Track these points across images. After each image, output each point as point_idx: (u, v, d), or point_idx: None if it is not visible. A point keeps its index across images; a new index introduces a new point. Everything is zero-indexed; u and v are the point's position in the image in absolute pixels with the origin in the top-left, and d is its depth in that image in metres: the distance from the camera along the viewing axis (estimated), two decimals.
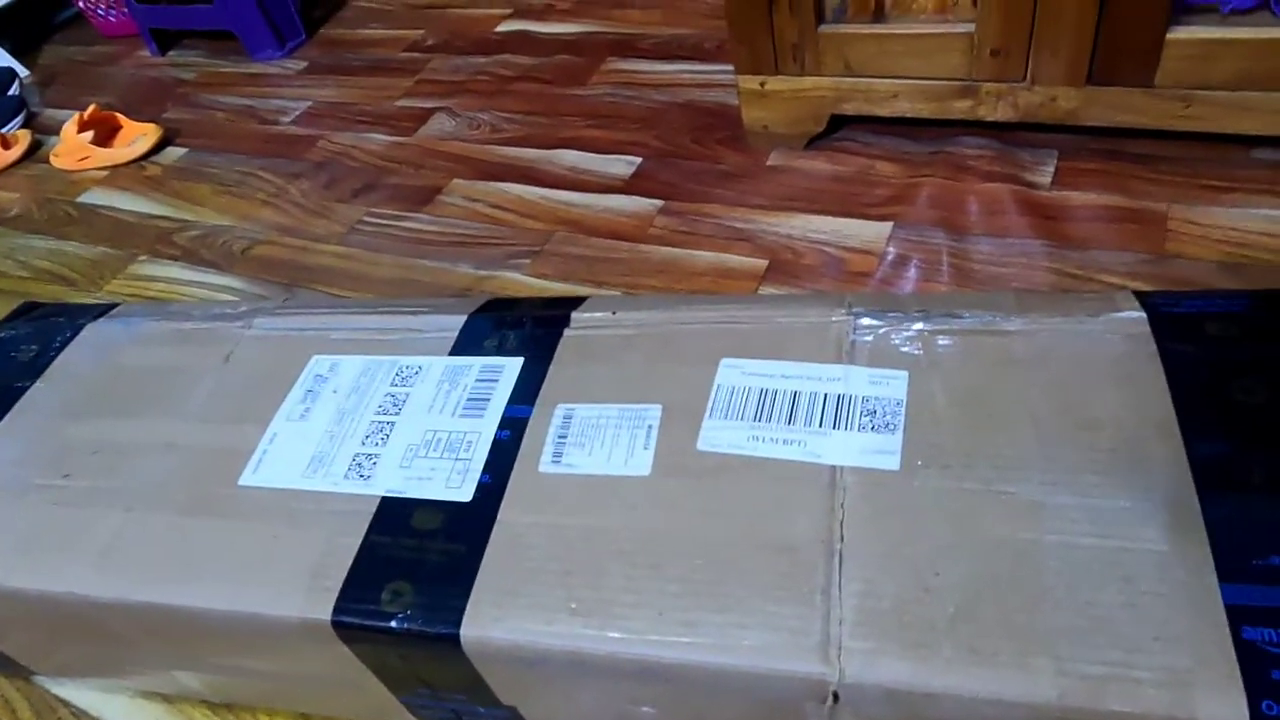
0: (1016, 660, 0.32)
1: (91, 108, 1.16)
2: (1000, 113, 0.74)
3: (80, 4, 1.51)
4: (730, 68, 0.95)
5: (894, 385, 0.41)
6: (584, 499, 0.41)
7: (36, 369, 0.57)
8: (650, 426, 0.43)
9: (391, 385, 0.49)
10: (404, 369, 0.50)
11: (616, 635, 0.36)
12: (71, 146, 1.16)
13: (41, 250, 1.02)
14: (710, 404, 0.43)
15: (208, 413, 0.51)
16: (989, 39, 0.70)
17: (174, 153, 1.15)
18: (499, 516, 0.41)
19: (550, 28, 1.19)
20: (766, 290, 0.72)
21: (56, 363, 0.58)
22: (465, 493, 0.42)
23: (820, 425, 0.40)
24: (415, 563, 0.40)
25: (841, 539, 0.36)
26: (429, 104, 1.10)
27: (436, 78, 1.15)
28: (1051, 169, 0.75)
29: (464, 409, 0.46)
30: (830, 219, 0.77)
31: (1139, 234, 0.68)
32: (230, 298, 0.87)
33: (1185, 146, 0.72)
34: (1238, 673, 0.30)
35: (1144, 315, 0.42)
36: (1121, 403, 0.38)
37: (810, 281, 0.72)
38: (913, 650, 0.33)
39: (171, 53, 1.42)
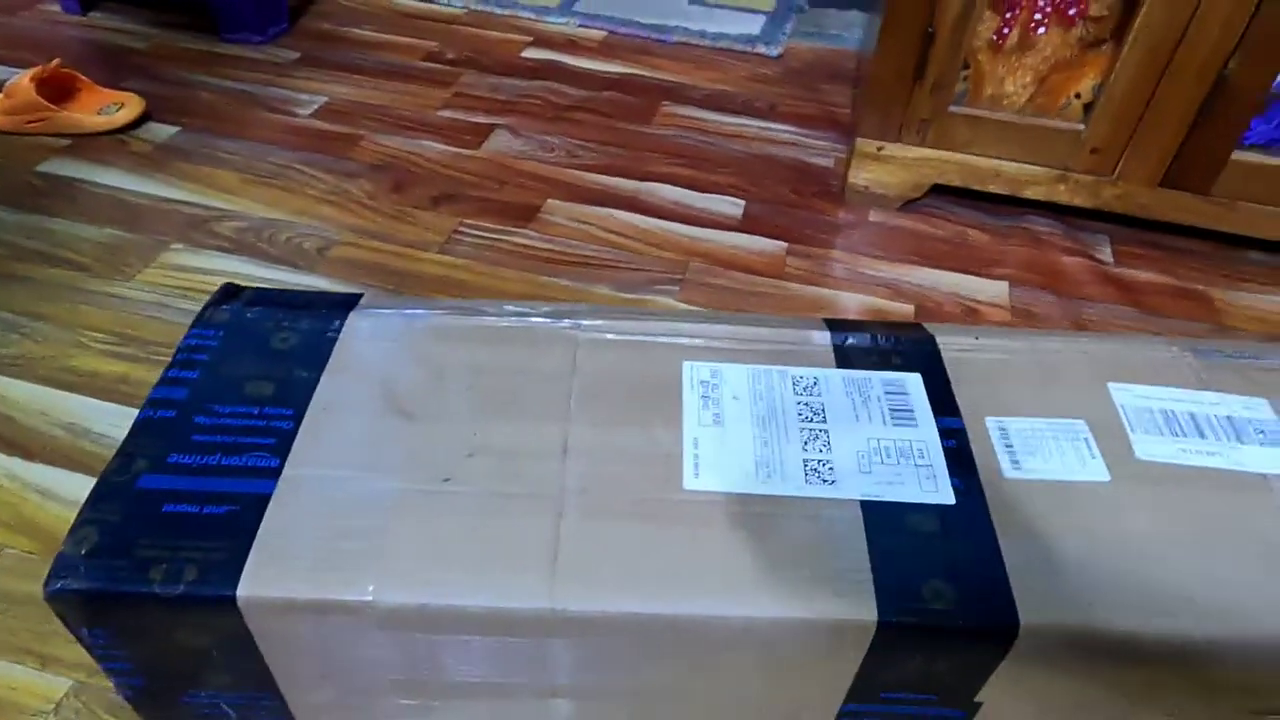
0: None
1: (55, 62, 0.97)
2: (1079, 199, 0.89)
3: None
4: (797, 128, 1.03)
5: (1261, 409, 0.50)
6: (1062, 501, 0.45)
7: (310, 361, 0.49)
8: (1086, 439, 0.48)
9: (797, 395, 0.49)
10: (799, 379, 0.50)
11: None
12: (23, 104, 0.96)
13: (13, 226, 0.84)
14: (1125, 421, 0.49)
15: (590, 416, 0.47)
16: (1093, 139, 0.84)
17: (162, 130, 0.99)
18: (992, 516, 0.44)
19: (583, 63, 1.20)
20: None
21: (336, 356, 0.50)
22: (945, 495, 0.44)
23: (1229, 440, 0.48)
24: (939, 561, 0.41)
25: None
26: (480, 119, 1.06)
27: (475, 93, 1.11)
28: (1109, 250, 0.91)
29: (894, 419, 0.48)
30: (950, 274, 0.86)
31: (1197, 309, 0.85)
32: None
33: (1203, 243, 0.92)
34: None
35: None
36: None
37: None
38: None
39: (94, 13, 1.22)
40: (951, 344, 0.53)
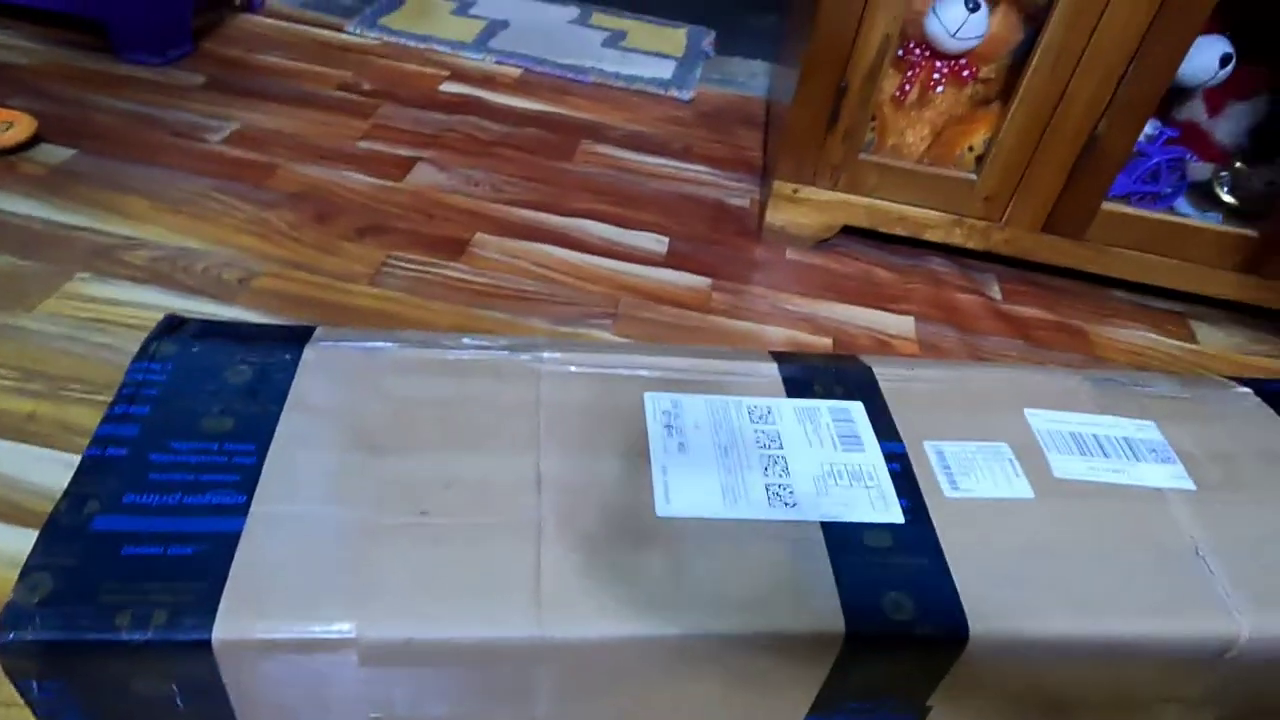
0: None
1: None
2: (972, 242, 0.97)
3: None
4: (712, 169, 1.08)
5: (1151, 430, 0.57)
6: (996, 518, 0.49)
7: (269, 395, 0.48)
8: (1010, 460, 0.52)
9: (753, 423, 0.52)
10: (753, 408, 0.53)
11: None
12: None
13: None
14: (1041, 443, 0.54)
15: (559, 447, 0.48)
16: (985, 189, 0.92)
17: (57, 152, 0.94)
18: (938, 533, 0.47)
19: (502, 99, 1.21)
20: None
21: (295, 390, 0.49)
22: (895, 515, 0.48)
23: (1128, 459, 0.54)
24: (896, 576, 0.45)
25: (1194, 539, 0.50)
26: (402, 152, 1.05)
27: (395, 126, 1.10)
28: (998, 288, 1.00)
29: (843, 444, 0.52)
30: (862, 309, 0.92)
31: (1075, 341, 0.94)
32: None
33: (1077, 283, 1.02)
34: None
35: (1249, 390, 0.63)
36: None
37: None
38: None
39: None
40: (887, 375, 0.58)
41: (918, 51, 0.91)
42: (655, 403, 0.53)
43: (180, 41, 1.17)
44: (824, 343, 0.87)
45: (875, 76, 0.86)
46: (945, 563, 0.46)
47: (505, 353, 0.54)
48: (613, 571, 0.43)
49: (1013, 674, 0.47)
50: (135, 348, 0.50)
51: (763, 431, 0.52)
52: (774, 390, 0.55)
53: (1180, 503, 0.52)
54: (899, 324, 0.91)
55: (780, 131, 0.97)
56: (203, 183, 0.93)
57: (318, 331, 0.55)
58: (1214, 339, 0.98)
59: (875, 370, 0.58)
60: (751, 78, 1.41)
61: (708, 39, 1.49)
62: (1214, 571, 0.49)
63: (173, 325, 0.53)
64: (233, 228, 0.88)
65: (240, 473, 0.44)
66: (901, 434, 0.53)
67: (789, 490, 0.48)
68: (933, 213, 0.95)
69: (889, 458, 0.51)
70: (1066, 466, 0.53)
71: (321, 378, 0.51)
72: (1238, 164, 1.00)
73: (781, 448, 0.51)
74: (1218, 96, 0.99)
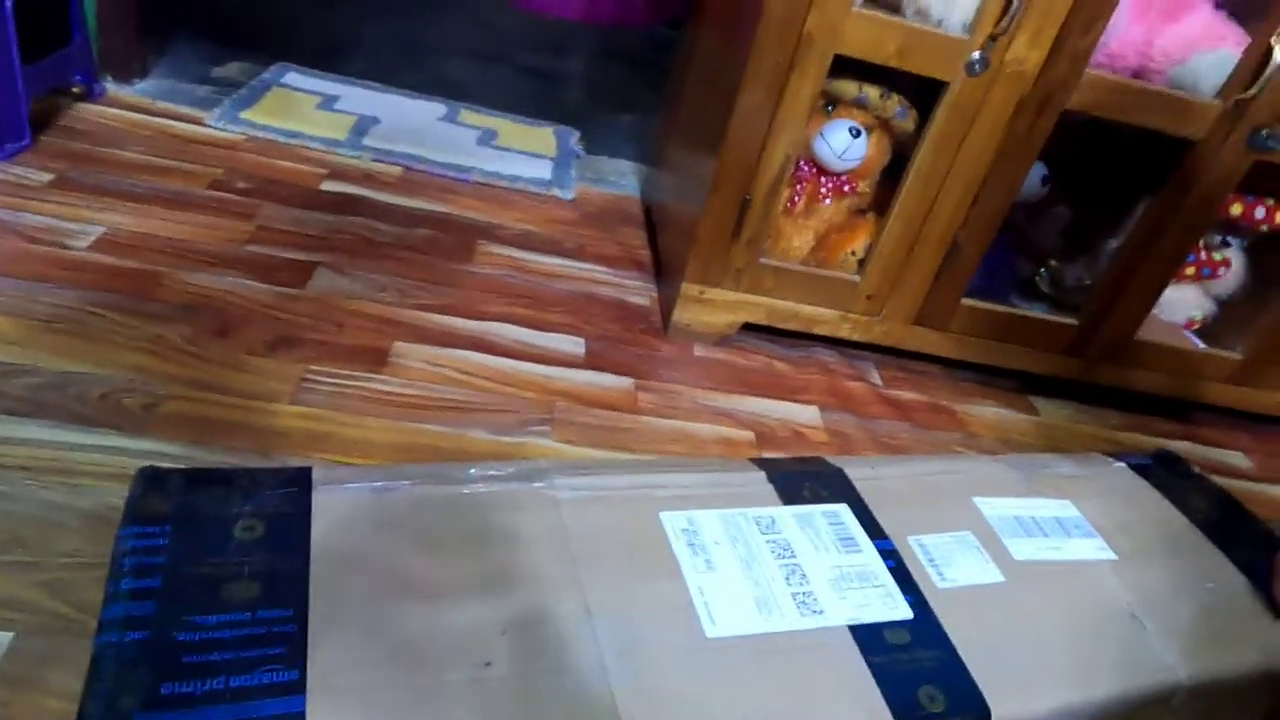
0: None
1: None
2: (856, 335, 1.07)
3: None
4: (607, 268, 1.14)
5: (1070, 508, 0.66)
6: (982, 603, 0.55)
7: (290, 551, 0.45)
8: (977, 547, 0.59)
9: (763, 534, 0.55)
10: (759, 519, 0.56)
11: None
12: None
13: None
14: (995, 529, 0.61)
15: (598, 577, 0.49)
16: (866, 288, 1.03)
17: None
18: (942, 623, 0.52)
19: (388, 198, 1.19)
20: (770, 454, 0.89)
21: (317, 542, 0.46)
22: (904, 611, 0.52)
23: (1062, 536, 0.62)
24: (921, 669, 0.49)
25: (1128, 603, 0.58)
26: (295, 255, 1.00)
27: (281, 227, 1.05)
28: (878, 375, 1.11)
29: (843, 547, 0.56)
30: (771, 401, 0.99)
31: (949, 421, 1.06)
32: (171, 464, 0.68)
33: (943, 368, 1.15)
34: None
35: (1123, 464, 0.75)
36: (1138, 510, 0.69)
37: (798, 449, 0.92)
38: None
39: None
40: (856, 475, 0.63)
41: (806, 168, 1.01)
42: (673, 522, 0.54)
43: (16, 134, 1.05)
44: (748, 435, 0.92)
45: (776, 192, 0.95)
46: (956, 652, 0.51)
47: (518, 483, 0.54)
48: (683, 697, 0.44)
49: None
50: (33, 494, 0.45)
51: (774, 541, 0.55)
52: (770, 498, 0.59)
53: (1109, 572, 0.61)
54: (806, 414, 0.99)
55: (683, 237, 1.03)
56: (76, 295, 0.84)
57: (316, 474, 0.52)
58: (1050, 411, 1.14)
59: (846, 471, 0.63)
60: (621, 177, 1.49)
61: (574, 138, 1.55)
62: (1147, 628, 0.57)
63: (154, 479, 0.48)
64: (123, 346, 0.80)
65: (285, 643, 0.41)
66: (887, 531, 0.58)
67: (812, 597, 0.52)
68: (822, 310, 1.05)
69: (883, 554, 0.56)
70: (1020, 549, 0.60)
71: (341, 526, 0.48)
72: (1053, 262, 1.18)
73: (794, 556, 0.54)
74: (1035, 207, 1.17)
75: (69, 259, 0.90)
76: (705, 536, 0.54)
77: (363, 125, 1.37)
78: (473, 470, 0.55)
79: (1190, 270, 1.16)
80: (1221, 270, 1.17)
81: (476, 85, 1.69)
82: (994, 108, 0.91)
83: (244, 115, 1.29)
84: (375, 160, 1.28)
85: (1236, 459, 1.16)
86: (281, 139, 1.26)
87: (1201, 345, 1.17)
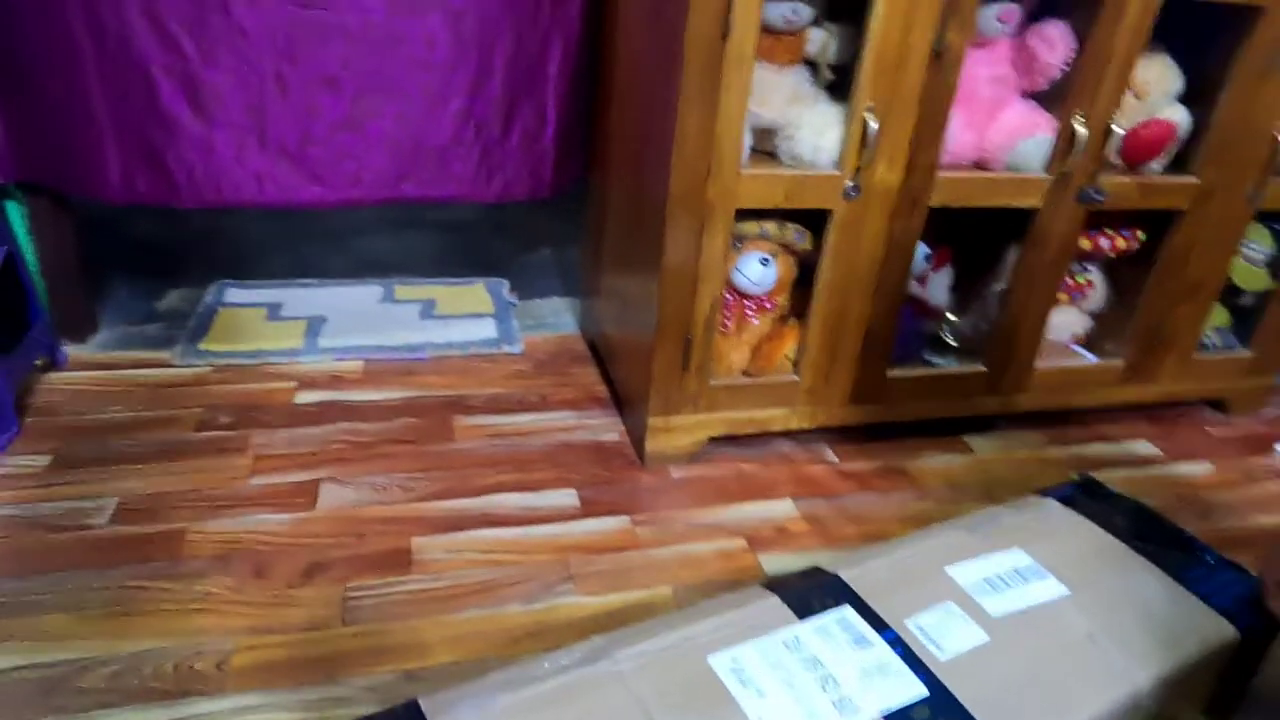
0: None
1: None
2: (805, 424, 1.21)
3: None
4: (573, 413, 1.26)
5: (1021, 556, 0.79)
6: (980, 665, 0.67)
7: None
8: (960, 615, 0.72)
9: (793, 653, 0.67)
10: (788, 640, 0.68)
11: None
12: None
13: None
14: (969, 592, 0.74)
15: None
16: (805, 383, 1.18)
17: None
18: (954, 694, 0.64)
19: (359, 395, 1.28)
20: (764, 557, 1.01)
21: None
22: (921, 691, 0.64)
23: (1023, 584, 0.76)
24: None
25: (1086, 630, 0.72)
26: (298, 477, 1.09)
27: (276, 452, 1.13)
28: (832, 453, 1.25)
29: (856, 645, 0.68)
30: (750, 504, 1.11)
31: (901, 480, 1.20)
32: (256, 715, 0.76)
33: (883, 432, 1.29)
34: None
35: (1053, 500, 0.89)
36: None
37: (786, 544, 1.04)
38: None
39: None
40: (847, 574, 0.76)
41: (730, 297, 1.16)
42: (720, 663, 0.66)
43: (5, 424, 1.11)
44: (740, 543, 1.04)
45: (711, 325, 1.09)
46: (970, 713, 0.63)
47: (586, 666, 0.65)
48: None
49: None
50: None
51: (804, 659, 0.67)
52: (788, 617, 0.71)
53: (1066, 606, 0.75)
54: (782, 509, 1.11)
55: (637, 372, 1.16)
56: (115, 574, 0.91)
57: (424, 702, 0.61)
58: (983, 446, 1.30)
59: (840, 574, 0.76)
60: (557, 315, 1.62)
61: (505, 289, 1.68)
62: (1106, 646, 0.71)
63: None
64: (177, 612, 0.87)
65: None
66: (888, 621, 0.71)
67: (849, 700, 0.63)
68: (772, 410, 1.19)
69: (891, 644, 0.69)
70: (993, 605, 0.74)
71: None
72: (951, 317, 1.36)
73: (823, 666, 0.66)
74: (923, 277, 1.35)
75: (93, 539, 0.96)
76: (749, 669, 0.65)
77: (314, 327, 1.47)
78: (546, 664, 0.65)
79: (1063, 296, 1.35)
80: (1088, 290, 1.37)
81: (399, 255, 1.80)
82: (873, 220, 1.08)
83: (203, 346, 1.37)
84: (337, 359, 1.38)
85: (1144, 448, 1.35)
86: (245, 361, 1.35)
87: (1091, 358, 1.36)
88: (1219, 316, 1.44)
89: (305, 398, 1.28)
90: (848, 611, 0.72)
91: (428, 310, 1.57)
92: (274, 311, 1.52)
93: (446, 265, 1.77)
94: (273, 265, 1.70)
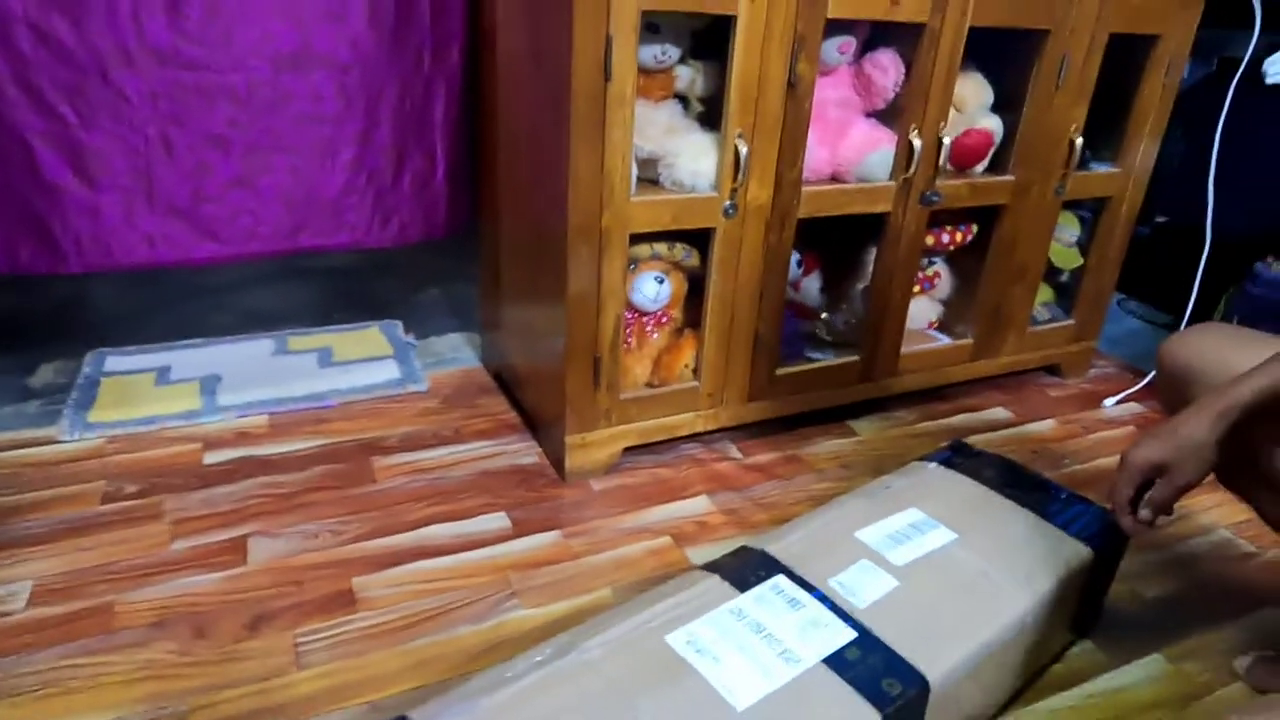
0: None
1: None
2: (709, 425, 1.31)
3: None
4: (488, 441, 1.32)
5: (915, 513, 0.91)
6: (893, 605, 0.78)
7: None
8: (870, 568, 0.82)
9: (739, 621, 0.75)
10: (733, 611, 0.76)
11: None
12: None
13: None
14: (878, 549, 0.85)
15: (648, 700, 0.66)
16: (705, 388, 1.28)
17: None
18: (873, 631, 0.74)
19: (270, 449, 1.28)
20: (690, 550, 1.09)
21: None
22: (849, 635, 0.74)
23: (920, 536, 0.87)
24: (876, 667, 0.70)
25: (979, 567, 0.84)
26: (223, 536, 1.08)
27: (194, 515, 1.12)
28: (736, 449, 1.35)
29: (793, 607, 0.77)
30: (671, 504, 1.19)
31: (798, 466, 1.31)
32: None
33: (779, 425, 1.41)
34: None
35: (934, 464, 1.02)
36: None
37: (707, 536, 1.13)
38: None
39: None
40: (774, 549, 0.85)
41: (630, 315, 1.24)
42: (677, 640, 0.73)
43: None
44: (666, 541, 1.12)
45: (617, 344, 1.17)
46: (890, 647, 0.74)
47: (559, 660, 0.71)
48: None
49: (957, 696, 0.75)
50: None
51: (749, 624, 0.75)
52: (730, 592, 0.79)
53: (957, 547, 0.87)
54: (700, 505, 1.20)
55: (549, 395, 1.23)
56: (44, 656, 0.88)
57: (414, 716, 0.65)
58: (865, 428, 1.44)
59: (766, 549, 0.85)
60: (456, 351, 1.65)
61: (400, 329, 1.70)
62: (994, 578, 0.83)
63: None
64: (121, 684, 0.85)
65: None
66: (813, 583, 0.80)
67: (792, 652, 0.72)
68: (678, 416, 1.28)
69: (821, 600, 0.78)
70: (898, 556, 0.85)
71: None
72: (824, 315, 1.50)
73: (767, 629, 0.75)
74: (797, 282, 1.49)
75: (15, 625, 0.92)
76: (704, 641, 0.73)
77: (209, 387, 1.44)
78: (520, 664, 0.70)
79: (917, 288, 1.52)
80: (936, 280, 1.55)
81: (285, 306, 1.79)
82: (751, 234, 1.20)
83: (92, 418, 1.33)
84: (240, 416, 1.36)
85: (999, 414, 1.53)
86: (140, 429, 1.31)
87: (946, 340, 1.53)
88: (1044, 293, 1.66)
89: (214, 457, 1.26)
90: (780, 579, 0.81)
91: (325, 358, 1.57)
92: (163, 375, 1.47)
93: (335, 312, 1.77)
94: (151, 328, 1.64)
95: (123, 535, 1.08)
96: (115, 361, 1.52)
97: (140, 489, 1.18)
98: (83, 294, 1.79)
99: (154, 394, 1.42)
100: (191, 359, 1.54)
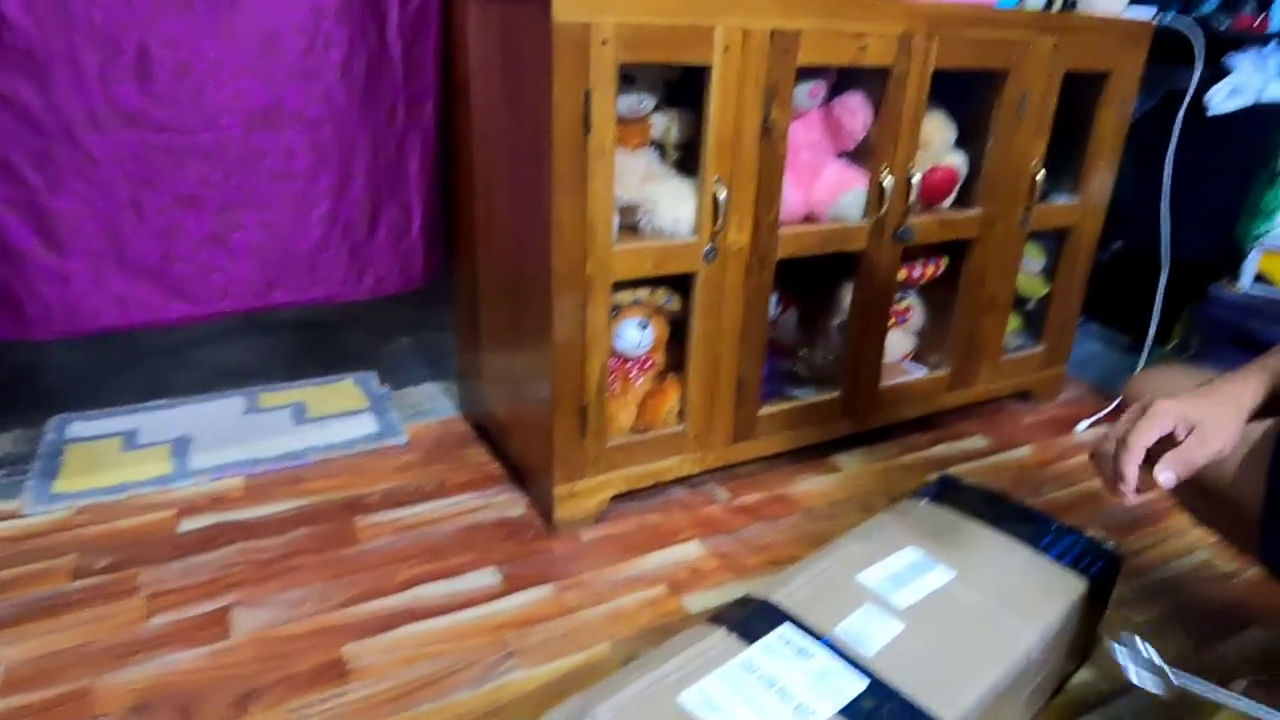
0: None
1: None
2: (695, 468, 1.31)
3: None
4: (472, 494, 1.30)
5: (914, 552, 0.91)
6: (900, 648, 0.77)
7: None
8: (875, 612, 0.82)
9: (750, 674, 0.74)
10: (745, 664, 0.75)
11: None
12: None
13: None
14: (880, 592, 0.85)
15: None
16: (691, 431, 1.27)
17: None
18: (885, 679, 0.74)
19: (247, 513, 1.24)
20: (686, 598, 1.08)
21: None
22: (862, 683, 0.73)
23: (921, 575, 0.87)
24: (892, 716, 0.70)
25: (980, 601, 0.84)
26: (203, 609, 1.04)
27: (171, 587, 1.07)
28: (723, 491, 1.34)
29: (802, 657, 0.76)
30: (662, 551, 1.18)
31: (787, 506, 1.31)
32: None
33: (763, 464, 1.41)
34: None
35: (924, 500, 1.03)
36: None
37: (702, 583, 1.11)
38: None
39: None
40: (777, 598, 0.85)
41: (614, 361, 1.24)
42: (690, 699, 0.72)
43: None
44: (661, 590, 1.11)
45: (602, 391, 1.16)
46: (902, 694, 0.73)
47: None
48: None
49: None
50: None
51: (760, 677, 0.74)
52: (738, 645, 0.78)
53: (958, 586, 0.87)
54: (692, 551, 1.19)
55: (535, 445, 1.21)
56: None
57: None
58: (849, 463, 1.45)
59: (769, 598, 0.84)
60: (433, 400, 1.63)
61: (375, 381, 1.67)
62: (1000, 617, 0.84)
63: None
64: None
65: None
66: (819, 632, 0.80)
67: (805, 706, 0.71)
68: (665, 461, 1.27)
69: (830, 649, 0.78)
70: (901, 598, 0.85)
71: None
72: (802, 351, 1.51)
73: (778, 681, 0.74)
74: (775, 320, 1.50)
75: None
76: (717, 698, 0.72)
77: (180, 449, 1.39)
78: None
79: (891, 321, 1.55)
80: (909, 314, 1.57)
81: (252, 362, 1.75)
82: (731, 277, 1.21)
83: (57, 489, 1.27)
84: (214, 480, 1.32)
85: (977, 442, 1.55)
86: (109, 498, 1.26)
87: (923, 372, 1.55)
88: (1014, 322, 1.69)
89: (189, 525, 1.21)
90: (787, 629, 0.80)
91: (299, 414, 1.53)
92: (130, 440, 1.43)
93: (305, 366, 1.74)
94: (116, 390, 1.59)
95: (97, 613, 1.03)
96: (79, 427, 1.46)
97: (112, 562, 1.13)
98: (42, 357, 1.73)
99: (122, 459, 1.37)
100: (159, 421, 1.49)
